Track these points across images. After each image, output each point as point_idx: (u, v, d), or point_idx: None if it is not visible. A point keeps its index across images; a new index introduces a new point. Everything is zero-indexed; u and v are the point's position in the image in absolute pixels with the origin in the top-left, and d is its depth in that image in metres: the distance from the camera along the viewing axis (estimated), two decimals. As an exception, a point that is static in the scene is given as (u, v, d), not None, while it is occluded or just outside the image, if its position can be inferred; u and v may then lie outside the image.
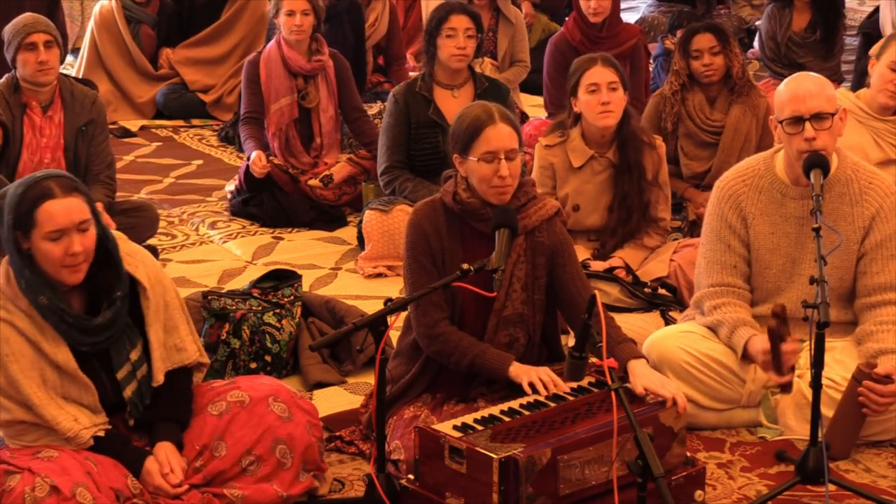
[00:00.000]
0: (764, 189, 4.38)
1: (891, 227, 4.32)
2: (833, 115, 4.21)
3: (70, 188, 3.55)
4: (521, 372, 3.89)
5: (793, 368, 4.09)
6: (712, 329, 4.35)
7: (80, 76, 8.26)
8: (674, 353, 4.30)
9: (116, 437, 3.65)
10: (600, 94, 5.16)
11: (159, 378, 3.71)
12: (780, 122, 4.27)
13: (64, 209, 3.50)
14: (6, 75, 5.74)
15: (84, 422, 3.59)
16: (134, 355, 3.68)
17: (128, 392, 3.67)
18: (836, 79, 8.10)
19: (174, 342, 3.77)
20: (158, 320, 3.73)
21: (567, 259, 4.07)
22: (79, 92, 5.80)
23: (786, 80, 4.35)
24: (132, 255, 3.71)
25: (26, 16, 5.76)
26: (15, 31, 5.65)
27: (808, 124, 4.20)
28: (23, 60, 5.63)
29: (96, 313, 3.62)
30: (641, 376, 3.83)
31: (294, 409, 3.78)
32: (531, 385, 3.84)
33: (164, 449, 3.67)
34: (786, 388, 4.14)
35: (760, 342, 4.10)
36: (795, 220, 4.34)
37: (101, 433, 3.61)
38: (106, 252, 3.62)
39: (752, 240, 4.38)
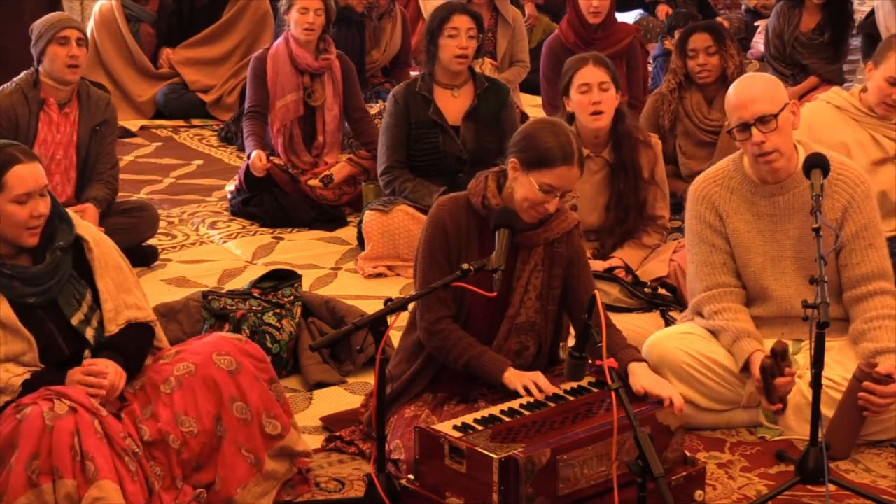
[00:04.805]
0: (735, 189, 4.38)
1: (864, 216, 4.30)
2: (777, 114, 4.21)
3: (30, 155, 3.70)
4: (514, 378, 3.90)
5: (784, 397, 4.11)
6: (713, 332, 4.35)
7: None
8: (674, 355, 4.30)
9: (46, 373, 3.65)
10: (591, 94, 5.16)
11: (111, 328, 3.77)
12: (730, 132, 4.30)
13: (31, 173, 3.66)
14: (25, 72, 5.71)
15: (16, 371, 3.61)
16: (85, 305, 3.75)
17: (88, 334, 3.73)
18: (839, 81, 8.09)
19: (133, 301, 3.84)
20: (108, 274, 3.80)
21: (582, 270, 4.10)
22: (94, 93, 5.82)
23: (733, 85, 4.35)
24: (74, 218, 3.83)
25: (59, 13, 5.85)
26: (48, 25, 5.63)
27: (753, 129, 4.21)
28: (53, 54, 5.59)
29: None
30: (641, 377, 3.85)
31: (240, 357, 3.80)
32: (526, 388, 3.85)
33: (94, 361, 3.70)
34: (777, 412, 4.17)
35: (758, 364, 4.12)
36: (769, 218, 4.34)
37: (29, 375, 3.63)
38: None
39: (730, 237, 4.38)
